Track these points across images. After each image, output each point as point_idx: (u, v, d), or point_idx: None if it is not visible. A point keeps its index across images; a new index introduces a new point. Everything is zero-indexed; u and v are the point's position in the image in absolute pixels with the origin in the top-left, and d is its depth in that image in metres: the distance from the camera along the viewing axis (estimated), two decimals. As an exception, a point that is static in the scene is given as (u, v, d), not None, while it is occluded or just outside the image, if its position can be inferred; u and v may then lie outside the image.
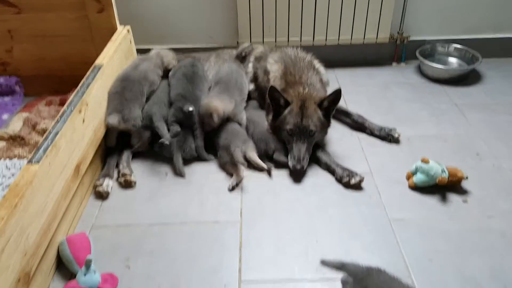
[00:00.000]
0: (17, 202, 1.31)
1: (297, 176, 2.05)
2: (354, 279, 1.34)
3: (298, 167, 2.01)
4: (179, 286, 1.55)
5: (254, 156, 2.05)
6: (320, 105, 2.10)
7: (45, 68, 2.58)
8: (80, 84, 1.89)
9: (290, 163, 2.04)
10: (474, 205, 1.85)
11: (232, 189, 1.99)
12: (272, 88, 2.09)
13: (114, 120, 2.00)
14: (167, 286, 1.55)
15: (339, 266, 1.40)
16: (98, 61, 2.08)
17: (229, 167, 2.06)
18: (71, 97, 1.81)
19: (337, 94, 2.07)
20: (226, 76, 2.34)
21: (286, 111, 2.10)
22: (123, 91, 2.07)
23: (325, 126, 2.14)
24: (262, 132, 2.17)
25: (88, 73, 1.98)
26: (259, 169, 2.06)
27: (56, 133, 1.59)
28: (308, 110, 2.08)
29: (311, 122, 2.06)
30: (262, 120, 2.26)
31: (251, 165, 2.06)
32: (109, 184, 1.95)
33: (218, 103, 2.14)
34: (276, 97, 2.11)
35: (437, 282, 1.52)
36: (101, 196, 1.93)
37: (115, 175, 2.05)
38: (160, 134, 2.01)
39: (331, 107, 2.11)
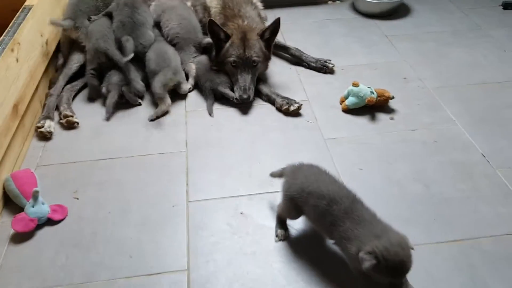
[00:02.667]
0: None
1: (243, 108, 2.13)
2: (287, 173, 1.46)
3: (245, 96, 2.08)
4: (129, 211, 1.62)
5: (185, 87, 2.15)
6: (261, 36, 2.16)
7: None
8: (10, 24, 1.85)
9: (237, 94, 2.11)
10: (399, 121, 2.02)
11: (151, 120, 2.04)
12: (211, 22, 2.12)
13: (68, 24, 2.19)
14: (117, 212, 1.62)
15: (278, 173, 1.53)
16: (27, 2, 2.02)
17: (163, 106, 2.09)
18: (1, 36, 1.78)
19: (277, 23, 2.14)
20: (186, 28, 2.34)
21: (228, 44, 2.15)
22: (79, 3, 2.24)
23: (267, 57, 2.21)
24: (206, 73, 2.21)
25: (18, 13, 1.93)
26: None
27: (-12, 70, 1.57)
28: (249, 41, 2.13)
29: (253, 53, 2.12)
30: (201, 60, 2.29)
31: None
32: (50, 125, 1.95)
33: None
34: (216, 30, 2.14)
35: (366, 187, 1.67)
36: (44, 137, 1.93)
37: (57, 117, 2.05)
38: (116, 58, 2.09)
39: (271, 37, 2.18)
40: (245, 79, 2.11)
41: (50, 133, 1.93)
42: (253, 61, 2.13)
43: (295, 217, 1.48)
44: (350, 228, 1.24)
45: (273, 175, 1.57)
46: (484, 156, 1.81)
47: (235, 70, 2.14)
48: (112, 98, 2.06)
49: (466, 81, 2.26)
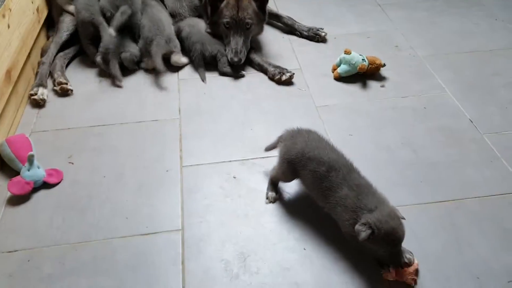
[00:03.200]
0: None
1: (234, 70, 2.14)
2: (285, 138, 1.49)
3: (236, 59, 2.10)
4: (124, 175, 1.65)
5: (177, 59, 2.15)
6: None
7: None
8: (0, -10, 1.83)
9: (228, 56, 2.12)
10: (390, 89, 2.04)
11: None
12: None
13: None
14: (112, 176, 1.65)
15: (274, 143, 1.56)
16: (17, -32, 1.99)
17: (148, 61, 2.13)
18: (-9, 2, 1.77)
19: None
20: None
21: (222, 5, 2.15)
22: None
23: (260, 19, 2.21)
24: (198, 34, 2.21)
25: (7, -21, 1.91)
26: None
27: (-20, 34, 1.57)
28: (243, 2, 2.13)
29: (246, 14, 2.12)
30: (196, 23, 2.29)
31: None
32: (43, 92, 1.96)
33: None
34: None
35: (356, 152, 1.68)
36: (38, 104, 1.94)
37: (50, 84, 2.05)
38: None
39: (264, 1, 2.18)
40: (237, 42, 2.11)
41: (43, 100, 1.94)
42: (246, 23, 2.13)
43: (289, 180, 1.52)
44: (347, 195, 1.28)
45: (268, 148, 1.60)
46: (472, 122, 1.85)
47: (228, 31, 2.14)
48: (114, 66, 2.07)
49: (457, 49, 2.28)
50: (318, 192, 1.37)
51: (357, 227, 1.20)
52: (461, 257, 1.35)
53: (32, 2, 2.04)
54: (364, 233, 1.18)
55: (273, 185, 1.57)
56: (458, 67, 2.16)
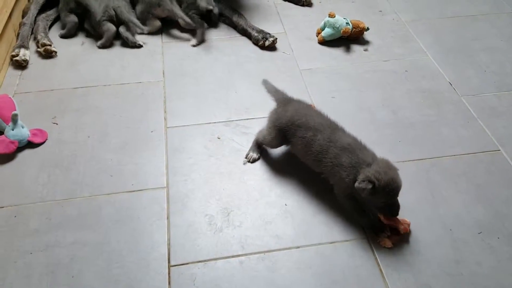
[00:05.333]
0: None
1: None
2: (278, 104, 1.54)
3: (210, 6, 2.10)
4: (108, 135, 1.66)
5: (179, 13, 2.13)
6: None
7: None
8: None
9: (202, 4, 2.11)
10: (373, 52, 2.07)
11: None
12: None
13: None
14: (96, 136, 1.66)
15: (271, 90, 1.59)
16: None
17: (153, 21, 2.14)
18: (-32, -42, 1.72)
19: None
20: None
21: None
22: None
23: None
24: None
25: None
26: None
27: (-42, -9, 1.54)
28: None
29: None
30: None
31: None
32: (25, 53, 1.94)
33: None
34: None
35: (338, 113, 1.71)
36: (20, 65, 1.93)
37: (34, 46, 2.03)
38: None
39: None
40: None
41: (26, 61, 1.92)
42: None
43: (275, 146, 1.55)
44: (340, 154, 1.32)
45: (265, 84, 1.62)
46: (451, 84, 1.89)
47: None
48: (110, 32, 2.05)
49: (439, 14, 2.31)
50: (311, 157, 1.41)
51: (357, 184, 1.25)
52: (435, 211, 1.41)
53: (11, -38, 2.00)
54: (365, 188, 1.23)
55: (257, 147, 1.60)
56: (439, 31, 2.19)
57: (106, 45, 2.06)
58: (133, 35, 2.09)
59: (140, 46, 2.08)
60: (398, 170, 1.29)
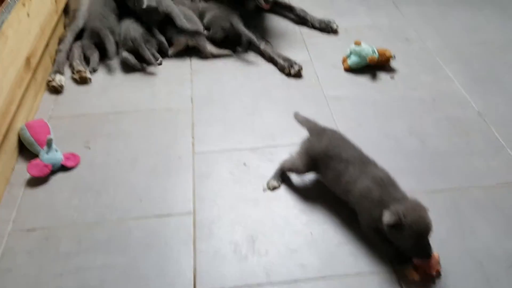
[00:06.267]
0: (-27, 81, 1.39)
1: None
2: (311, 133, 1.55)
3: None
4: (138, 160, 1.71)
5: (211, 49, 2.22)
6: None
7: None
8: (20, -20, 1.90)
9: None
10: (400, 80, 2.07)
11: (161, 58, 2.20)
12: None
13: None
14: (126, 160, 1.70)
15: (304, 121, 1.60)
16: (37, -41, 2.05)
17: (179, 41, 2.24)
18: (12, -9, 1.83)
19: None
20: None
21: None
22: None
23: None
24: (219, 12, 2.27)
25: (27, -31, 1.97)
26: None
27: (2, 22, 1.63)
28: None
29: None
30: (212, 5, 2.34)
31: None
32: (61, 79, 2.02)
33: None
34: None
35: (364, 141, 1.71)
36: (56, 90, 2.01)
37: (69, 72, 2.12)
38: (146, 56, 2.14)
39: None
40: None
41: (61, 86, 2.01)
42: None
43: (304, 172, 1.55)
44: (370, 187, 1.32)
45: (297, 117, 1.63)
46: (479, 113, 1.87)
47: None
48: (144, 51, 2.12)
49: (467, 42, 2.30)
50: (340, 187, 1.42)
51: (384, 218, 1.23)
52: (465, 243, 1.38)
53: (51, -8, 2.11)
54: (391, 223, 1.21)
55: (279, 175, 1.60)
56: (467, 59, 2.18)
57: (137, 67, 2.15)
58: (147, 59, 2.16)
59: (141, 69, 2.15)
60: (428, 211, 1.26)
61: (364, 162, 1.41)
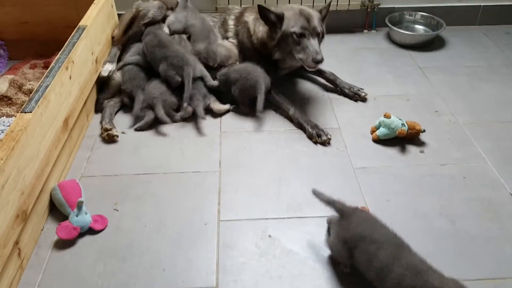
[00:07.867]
0: (14, 145, 1.44)
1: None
2: (341, 215, 1.51)
3: (319, 57, 2.09)
4: (164, 225, 1.72)
5: (217, 106, 2.31)
6: (320, 12, 2.25)
7: (28, 32, 2.67)
8: (66, 43, 2.00)
9: (310, 58, 2.11)
10: (429, 155, 2.05)
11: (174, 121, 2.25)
12: (260, 7, 2.17)
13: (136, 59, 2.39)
14: (153, 225, 1.71)
15: (328, 201, 1.56)
16: (82, 22, 2.17)
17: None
18: (58, 54, 1.92)
19: (329, 3, 2.32)
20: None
21: (285, 21, 2.18)
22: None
23: (323, 35, 2.26)
24: (248, 78, 2.27)
25: (73, 33, 2.08)
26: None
27: (46, 87, 1.70)
28: (310, 14, 2.18)
29: (317, 24, 2.17)
30: (243, 68, 2.36)
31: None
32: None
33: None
34: (266, 14, 2.20)
35: (393, 218, 1.70)
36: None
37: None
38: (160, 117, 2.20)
39: (326, 16, 2.28)
40: (313, 44, 2.12)
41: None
42: (318, 33, 2.16)
43: (345, 261, 1.49)
44: (405, 274, 1.29)
45: (318, 195, 1.58)
46: (512, 195, 1.83)
47: (299, 40, 2.15)
48: (159, 110, 2.18)
49: (498, 118, 2.28)
50: (373, 272, 1.37)
51: None
52: None
53: (92, 54, 2.20)
54: None
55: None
56: (499, 136, 2.15)
57: (143, 128, 2.21)
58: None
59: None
60: None
61: (399, 246, 1.36)
